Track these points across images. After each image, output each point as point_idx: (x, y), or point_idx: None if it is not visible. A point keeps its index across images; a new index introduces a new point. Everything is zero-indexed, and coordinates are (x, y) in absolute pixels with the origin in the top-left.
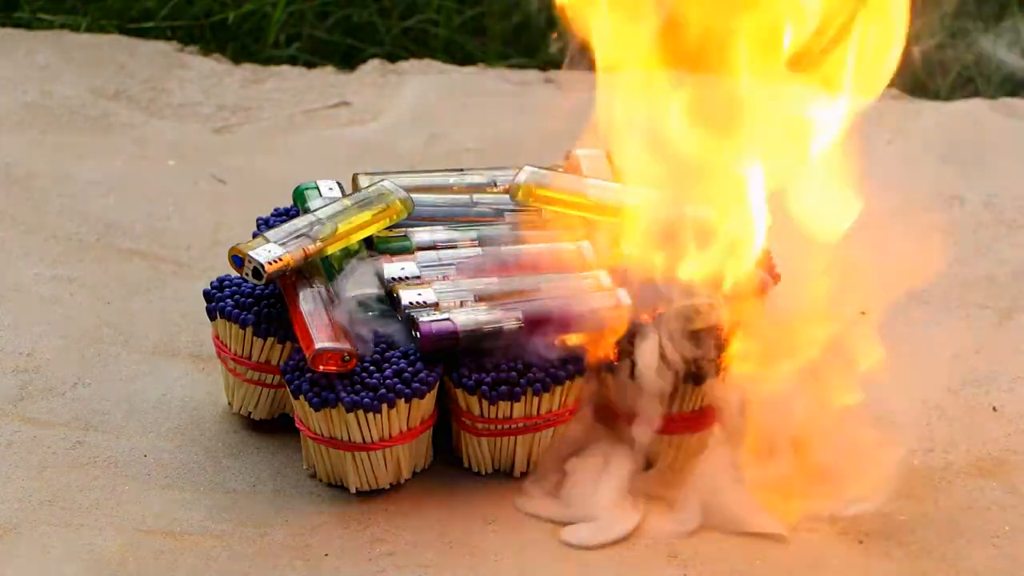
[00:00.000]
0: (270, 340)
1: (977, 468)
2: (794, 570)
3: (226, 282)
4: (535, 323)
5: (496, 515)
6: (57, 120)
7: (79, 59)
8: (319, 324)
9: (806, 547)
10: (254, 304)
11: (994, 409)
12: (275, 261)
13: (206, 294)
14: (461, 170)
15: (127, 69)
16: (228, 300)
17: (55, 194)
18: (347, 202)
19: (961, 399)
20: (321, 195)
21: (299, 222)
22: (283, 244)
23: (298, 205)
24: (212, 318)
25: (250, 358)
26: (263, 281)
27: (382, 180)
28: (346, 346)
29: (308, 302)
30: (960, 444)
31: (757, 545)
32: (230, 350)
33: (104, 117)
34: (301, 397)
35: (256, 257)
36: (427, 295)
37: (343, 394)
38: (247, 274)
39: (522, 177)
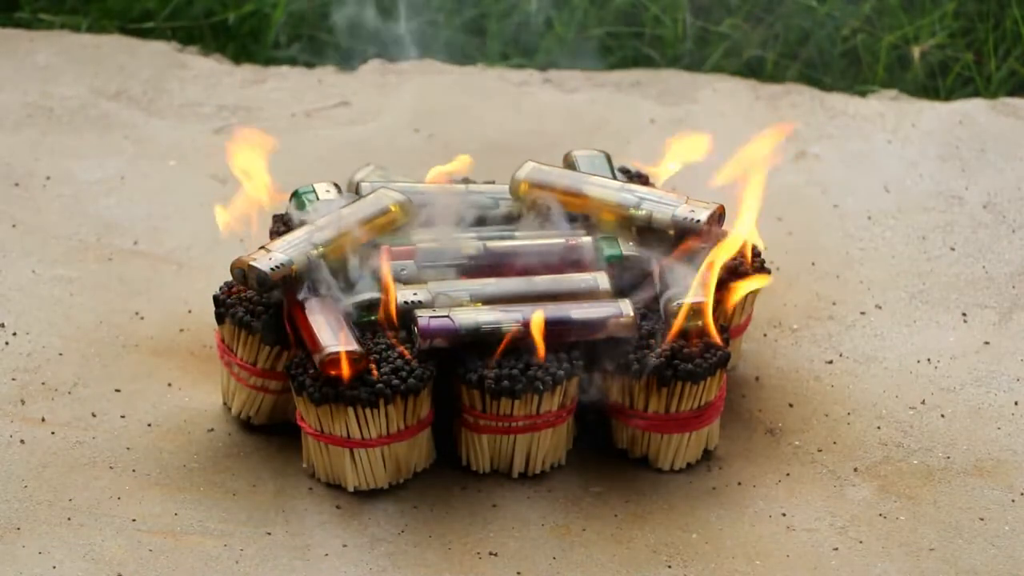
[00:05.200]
0: (277, 347)
1: (977, 468)
2: (794, 570)
3: (235, 286)
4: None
5: (496, 515)
6: (57, 120)
7: (79, 59)
8: (326, 328)
9: (806, 547)
10: (263, 311)
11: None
12: (278, 268)
13: (215, 299)
14: (466, 181)
15: (127, 69)
16: (238, 306)
17: (55, 194)
18: (347, 209)
19: (961, 399)
20: (319, 198)
21: (300, 231)
22: (284, 252)
23: (296, 209)
24: (220, 322)
25: (255, 364)
26: (268, 289)
27: (382, 186)
28: (355, 348)
29: (313, 306)
30: (960, 444)
31: (757, 545)
32: (236, 355)
33: (104, 117)
34: (304, 393)
35: (259, 266)
36: (422, 295)
37: (343, 389)
38: (252, 284)
39: (522, 172)
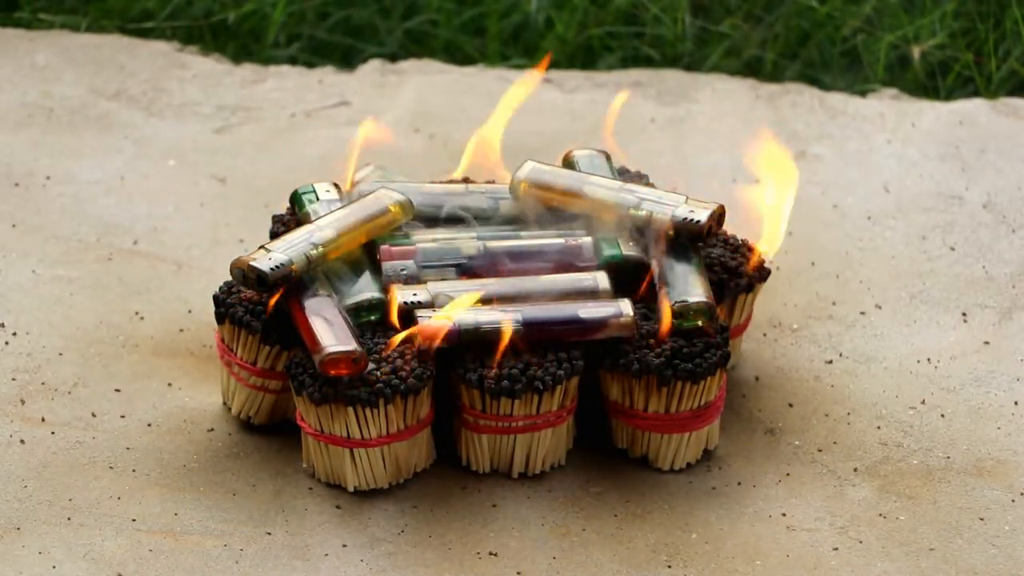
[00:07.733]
0: (276, 347)
1: (977, 468)
2: (794, 570)
3: (235, 286)
4: (535, 327)
5: (496, 515)
6: (57, 120)
7: (79, 59)
8: (326, 328)
9: (806, 547)
10: (263, 311)
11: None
12: (278, 268)
13: (215, 298)
14: (466, 181)
15: (127, 69)
16: (238, 305)
17: (55, 194)
18: (347, 208)
19: (961, 399)
20: (319, 199)
21: (300, 231)
22: (284, 252)
23: (296, 209)
24: (220, 322)
25: (255, 364)
26: (267, 288)
27: (382, 185)
28: (355, 348)
29: (313, 306)
30: (960, 444)
31: (757, 545)
32: (235, 355)
33: (104, 117)
34: (304, 393)
35: (258, 266)
36: (422, 295)
37: (343, 389)
38: (252, 284)
39: (523, 172)
